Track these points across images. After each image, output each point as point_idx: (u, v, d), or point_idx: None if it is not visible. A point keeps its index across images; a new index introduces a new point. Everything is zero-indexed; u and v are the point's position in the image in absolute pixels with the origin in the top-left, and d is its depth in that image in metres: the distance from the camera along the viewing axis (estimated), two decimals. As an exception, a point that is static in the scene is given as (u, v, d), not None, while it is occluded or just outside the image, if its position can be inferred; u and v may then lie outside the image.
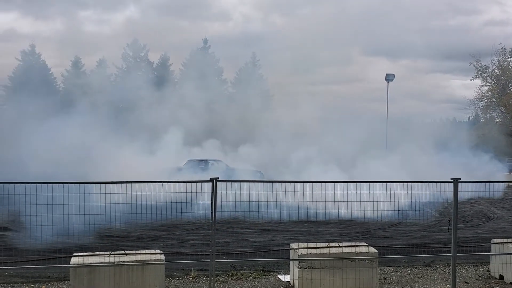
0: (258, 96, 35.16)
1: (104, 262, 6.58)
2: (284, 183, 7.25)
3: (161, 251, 7.29)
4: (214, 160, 23.76)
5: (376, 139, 29.33)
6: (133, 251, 7.18)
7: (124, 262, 6.65)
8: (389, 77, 39.22)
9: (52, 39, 61.83)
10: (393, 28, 55.28)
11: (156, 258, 6.88)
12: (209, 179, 5.64)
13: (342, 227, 12.97)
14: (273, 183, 8.04)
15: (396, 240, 11.57)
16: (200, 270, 8.10)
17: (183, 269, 8.23)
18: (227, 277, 8.01)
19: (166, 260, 7.14)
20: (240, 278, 7.97)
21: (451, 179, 6.03)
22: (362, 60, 70.00)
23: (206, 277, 7.76)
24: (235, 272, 8.16)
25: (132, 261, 6.71)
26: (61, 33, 54.38)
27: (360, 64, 66.88)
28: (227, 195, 6.15)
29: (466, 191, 7.64)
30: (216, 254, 8.72)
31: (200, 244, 10.18)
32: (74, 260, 6.66)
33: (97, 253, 6.91)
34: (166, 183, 5.83)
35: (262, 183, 7.19)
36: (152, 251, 7.29)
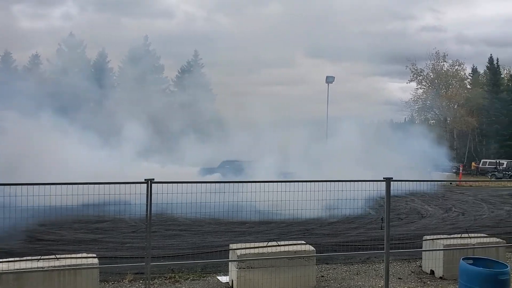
0: (201, 94, 34.84)
1: (33, 268, 6.23)
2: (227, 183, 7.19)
3: (95, 255, 7.02)
4: (249, 161, 22.99)
5: (318, 140, 29.83)
6: (65, 255, 6.85)
7: (55, 267, 6.34)
8: (329, 79, 40.20)
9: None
10: (334, 31, 56.64)
11: (89, 262, 6.61)
12: (144, 180, 5.48)
13: (282, 226, 13.07)
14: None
15: (334, 238, 11.81)
16: (137, 273, 7.87)
17: (119, 273, 7.98)
18: (165, 279, 7.85)
19: (100, 264, 6.88)
20: (178, 281, 7.83)
21: (383, 178, 6.22)
22: (305, 62, 71.31)
23: (142, 281, 7.56)
24: (173, 275, 8.01)
25: (64, 266, 6.40)
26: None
27: (303, 66, 68.04)
28: (163, 196, 6.00)
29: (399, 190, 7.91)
30: (153, 257, 8.55)
31: (137, 247, 9.92)
32: (-1, 267, 6.27)
33: (25, 258, 6.53)
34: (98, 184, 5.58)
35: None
36: (85, 254, 7.00)
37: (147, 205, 5.44)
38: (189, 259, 8.79)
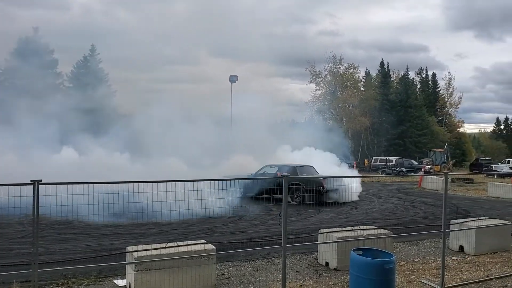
0: (98, 90, 33.22)
1: None
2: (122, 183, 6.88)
3: (-26, 265, 6.41)
4: (304, 166, 21.18)
5: (223, 139, 29.85)
6: None
7: None
8: (232, 78, 40.57)
9: None
10: (238, 31, 57.22)
11: (-34, 273, 6.02)
12: (30, 182, 5.07)
13: (184, 226, 12.92)
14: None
15: (236, 235, 11.91)
16: (24, 281, 7.28)
17: (4, 282, 7.34)
18: (56, 286, 7.39)
19: (-20, 274, 6.29)
20: (71, 287, 7.41)
21: (281, 175, 6.37)
22: (209, 61, 71.34)
23: (32, 289, 7.03)
24: (65, 281, 7.56)
25: None
26: None
27: (207, 65, 68.04)
28: (52, 198, 5.59)
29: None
30: (44, 262, 8.02)
31: (26, 253, 9.22)
32: None
33: None
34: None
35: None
36: (-39, 265, 6.36)
37: (33, 208, 5.04)
38: (84, 264, 8.34)
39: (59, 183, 5.09)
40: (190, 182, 6.50)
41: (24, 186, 5.10)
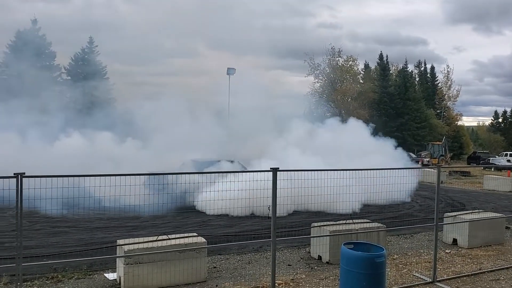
0: (97, 83, 33.01)
1: None
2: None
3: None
4: (226, 161, 20.43)
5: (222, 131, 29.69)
6: None
7: None
8: (230, 71, 40.38)
9: None
10: (236, 24, 56.94)
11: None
12: (13, 175, 5.00)
13: (179, 219, 12.89)
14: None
15: (229, 228, 11.88)
16: (13, 275, 7.25)
17: (-8, 276, 7.31)
18: (46, 280, 7.35)
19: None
20: (61, 280, 7.37)
21: (270, 168, 6.32)
22: (207, 54, 71.10)
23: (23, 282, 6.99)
24: (55, 275, 7.53)
25: None
26: None
27: (206, 57, 67.84)
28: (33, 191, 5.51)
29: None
30: (33, 256, 7.99)
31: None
32: None
33: None
34: None
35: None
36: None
37: (17, 201, 4.98)
38: (74, 257, 8.29)
39: (43, 176, 5.02)
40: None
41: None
